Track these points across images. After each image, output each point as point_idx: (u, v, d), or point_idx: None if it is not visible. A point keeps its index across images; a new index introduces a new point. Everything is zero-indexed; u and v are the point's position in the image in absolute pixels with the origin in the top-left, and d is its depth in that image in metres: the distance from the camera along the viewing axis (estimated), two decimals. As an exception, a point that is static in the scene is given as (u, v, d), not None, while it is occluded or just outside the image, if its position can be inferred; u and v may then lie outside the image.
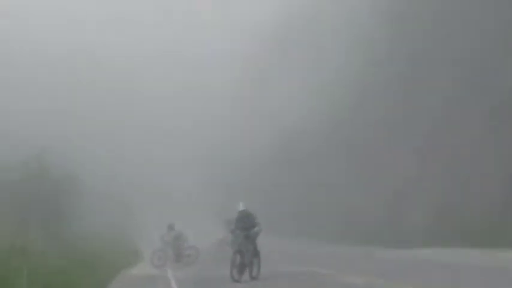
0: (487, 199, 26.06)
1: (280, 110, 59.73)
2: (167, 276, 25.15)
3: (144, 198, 73.98)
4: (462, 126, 29.65)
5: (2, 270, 18.26)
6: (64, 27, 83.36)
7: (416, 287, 14.30)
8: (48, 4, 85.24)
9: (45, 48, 76.10)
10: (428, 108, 33.52)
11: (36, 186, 35.80)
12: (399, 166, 35.04)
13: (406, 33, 37.57)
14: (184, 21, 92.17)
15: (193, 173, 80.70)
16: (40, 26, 78.85)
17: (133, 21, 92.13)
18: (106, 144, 76.81)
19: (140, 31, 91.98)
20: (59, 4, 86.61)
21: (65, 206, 38.16)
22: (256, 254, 20.01)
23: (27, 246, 23.47)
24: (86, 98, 77.94)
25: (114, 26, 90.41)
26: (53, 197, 36.70)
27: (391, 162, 36.20)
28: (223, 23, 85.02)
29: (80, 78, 79.09)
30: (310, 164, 50.96)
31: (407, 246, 27.35)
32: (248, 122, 69.75)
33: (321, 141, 49.17)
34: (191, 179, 80.00)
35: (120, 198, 67.92)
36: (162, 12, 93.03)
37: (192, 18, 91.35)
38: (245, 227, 19.99)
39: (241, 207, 20.34)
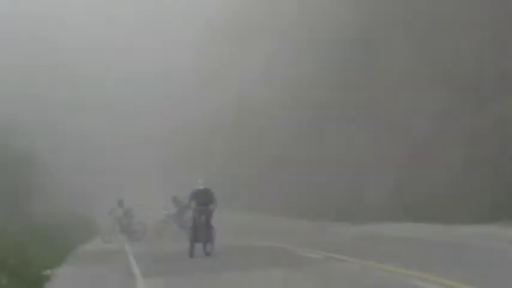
0: (442, 177, 26.30)
1: (241, 88, 59.57)
2: (125, 250, 25.12)
3: (105, 174, 73.65)
4: (418, 106, 29.80)
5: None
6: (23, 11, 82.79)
7: (373, 261, 14.35)
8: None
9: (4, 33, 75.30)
10: (385, 90, 33.63)
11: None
12: (359, 143, 35.18)
13: (368, 14, 37.54)
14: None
15: (154, 151, 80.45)
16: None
17: (95, 11, 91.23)
18: (67, 122, 76.44)
19: (100, 19, 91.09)
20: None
21: (25, 182, 37.84)
22: (210, 229, 19.90)
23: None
24: (47, 78, 77.56)
25: (79, 14, 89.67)
26: (13, 172, 36.41)
27: (351, 140, 36.33)
28: (184, 9, 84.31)
29: (40, 61, 78.60)
30: (273, 142, 50.98)
31: (367, 222, 27.54)
32: (209, 102, 69.57)
33: (283, 120, 49.17)
34: (152, 156, 79.76)
35: (80, 174, 67.61)
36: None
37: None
38: (201, 202, 19.87)
39: (199, 183, 20.18)
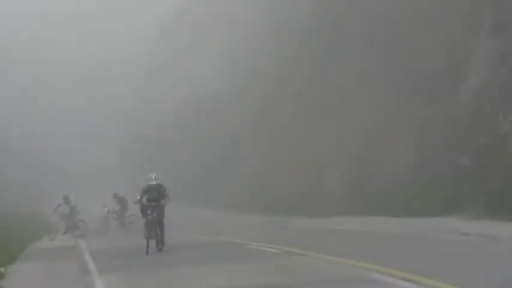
0: (400, 170, 26.61)
1: (197, 81, 59.38)
2: (79, 247, 24.92)
3: (58, 170, 72.90)
4: (376, 98, 30.08)
5: None
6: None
7: (331, 255, 14.46)
8: None
9: None
10: (344, 80, 33.87)
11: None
12: (316, 136, 35.36)
13: (326, 8, 37.73)
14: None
15: (107, 144, 79.80)
16: None
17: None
18: (20, 117, 75.55)
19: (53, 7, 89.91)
20: None
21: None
22: (162, 226, 19.72)
23: None
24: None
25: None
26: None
27: (308, 133, 36.50)
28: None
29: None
30: (228, 134, 50.95)
31: (323, 216, 27.72)
32: (163, 93, 69.19)
33: (239, 112, 49.16)
34: (105, 150, 79.12)
35: (30, 171, 66.79)
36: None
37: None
38: (153, 198, 19.68)
39: (152, 178, 19.93)
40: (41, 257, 22.27)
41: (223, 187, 45.83)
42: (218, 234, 24.02)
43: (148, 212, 19.73)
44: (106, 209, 33.48)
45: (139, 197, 20.00)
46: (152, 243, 19.50)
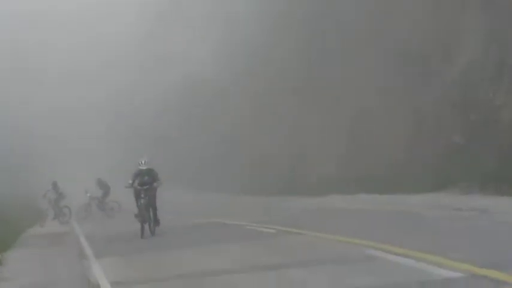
0: (392, 147, 26.72)
1: (182, 57, 59.20)
2: (74, 233, 24.98)
3: (46, 151, 72.76)
4: (366, 77, 30.13)
5: None
6: None
7: (327, 233, 14.56)
8: None
9: None
10: (330, 61, 33.88)
11: None
12: (304, 117, 35.41)
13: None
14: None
15: (93, 121, 79.59)
16: None
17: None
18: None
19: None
20: None
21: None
22: (155, 209, 19.70)
23: None
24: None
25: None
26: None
27: (296, 113, 36.54)
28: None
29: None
30: (214, 114, 50.93)
31: (315, 195, 27.84)
32: (149, 69, 68.99)
33: (225, 91, 49.15)
34: (91, 128, 78.95)
35: (24, 152, 66.58)
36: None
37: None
38: (145, 182, 19.64)
39: (142, 163, 19.90)
40: (36, 243, 22.32)
41: (219, 171, 45.88)
42: (214, 217, 24.09)
43: (142, 195, 19.71)
44: (88, 194, 33.40)
45: (131, 182, 19.92)
46: (146, 227, 19.54)
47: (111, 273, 12.70)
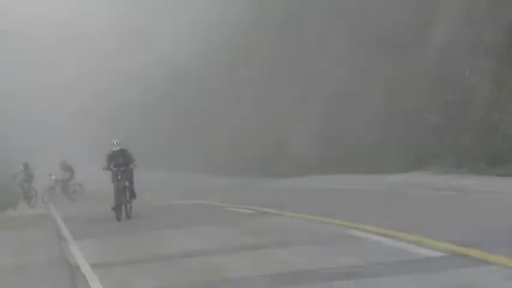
0: (368, 127, 26.79)
1: (167, 48, 58.92)
2: (50, 215, 24.82)
3: (20, 133, 72.23)
4: (342, 57, 30.13)
5: None
6: None
7: (307, 214, 14.58)
8: None
9: None
10: (307, 40, 33.84)
11: None
12: (283, 98, 35.40)
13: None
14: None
15: (67, 101, 79.11)
16: None
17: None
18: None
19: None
20: None
21: None
22: (131, 191, 19.50)
23: None
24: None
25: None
26: None
27: (276, 93, 36.53)
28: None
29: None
30: (193, 94, 50.82)
31: (293, 176, 27.90)
32: (133, 59, 68.60)
33: (204, 71, 49.03)
34: (63, 109, 78.50)
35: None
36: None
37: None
38: (120, 164, 19.41)
39: (115, 144, 19.71)
40: (11, 225, 22.15)
41: (195, 152, 45.80)
42: (194, 198, 24.05)
43: (119, 177, 19.48)
44: (53, 177, 33.32)
45: (107, 164, 19.67)
46: (123, 209, 19.35)
47: (90, 255, 12.62)
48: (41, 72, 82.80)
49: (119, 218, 18.92)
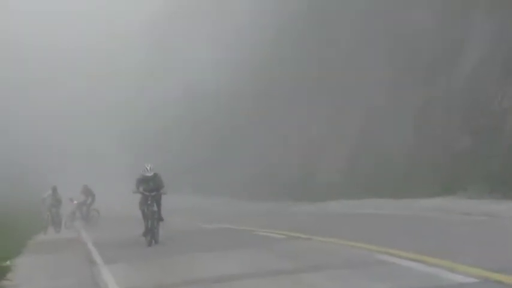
0: (398, 151, 26.69)
1: (186, 67, 59.30)
2: (81, 239, 24.96)
3: (52, 160, 72.86)
4: (373, 80, 30.10)
5: None
6: None
7: (336, 238, 14.54)
8: None
9: None
10: (335, 65, 33.87)
11: None
12: (309, 122, 35.42)
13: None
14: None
15: (98, 132, 79.70)
16: None
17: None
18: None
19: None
20: None
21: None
22: (159, 216, 19.23)
23: None
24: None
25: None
26: None
27: (302, 118, 36.55)
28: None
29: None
30: (219, 121, 50.96)
31: (322, 200, 27.83)
32: (153, 79, 69.11)
33: (231, 98, 49.15)
34: (97, 139, 79.02)
35: (29, 164, 66.58)
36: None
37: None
38: (150, 188, 19.13)
39: (148, 169, 19.27)
40: (44, 249, 22.29)
41: (225, 176, 45.84)
42: (222, 222, 24.03)
43: (148, 202, 19.38)
44: (75, 202, 32.79)
45: (135, 188, 19.52)
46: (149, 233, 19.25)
47: (121, 279, 12.67)
48: (82, 99, 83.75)
49: (149, 243, 18.83)
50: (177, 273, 12.92)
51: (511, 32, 21.63)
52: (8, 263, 16.89)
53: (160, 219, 19.40)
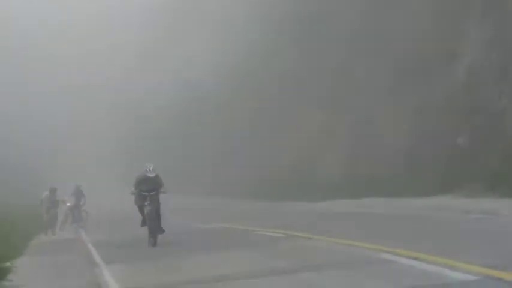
0: (396, 151, 26.76)
1: (184, 66, 59.31)
2: (81, 240, 24.99)
3: (50, 163, 72.79)
4: (370, 80, 30.18)
5: None
6: None
7: (336, 237, 14.59)
8: None
9: None
10: (332, 64, 33.93)
11: None
12: (307, 122, 35.46)
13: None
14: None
15: (97, 132, 79.67)
16: None
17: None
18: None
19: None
20: None
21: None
22: (158, 215, 19.07)
23: None
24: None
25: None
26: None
27: (299, 118, 36.60)
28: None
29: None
30: (218, 122, 50.97)
31: (322, 199, 27.86)
32: (152, 78, 69.11)
33: (228, 97, 49.18)
34: (95, 139, 78.98)
35: (27, 164, 66.53)
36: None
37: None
38: (150, 189, 18.94)
39: (149, 170, 19.03)
40: (45, 250, 22.31)
41: (222, 176, 45.86)
42: (220, 222, 24.06)
43: (147, 202, 19.22)
44: (68, 204, 32.58)
45: (134, 188, 19.37)
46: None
47: (122, 279, 12.70)
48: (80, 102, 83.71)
49: (154, 244, 18.62)
50: (175, 273, 12.94)
51: (508, 31, 21.68)
52: (8, 264, 16.90)
53: (159, 219, 19.21)
